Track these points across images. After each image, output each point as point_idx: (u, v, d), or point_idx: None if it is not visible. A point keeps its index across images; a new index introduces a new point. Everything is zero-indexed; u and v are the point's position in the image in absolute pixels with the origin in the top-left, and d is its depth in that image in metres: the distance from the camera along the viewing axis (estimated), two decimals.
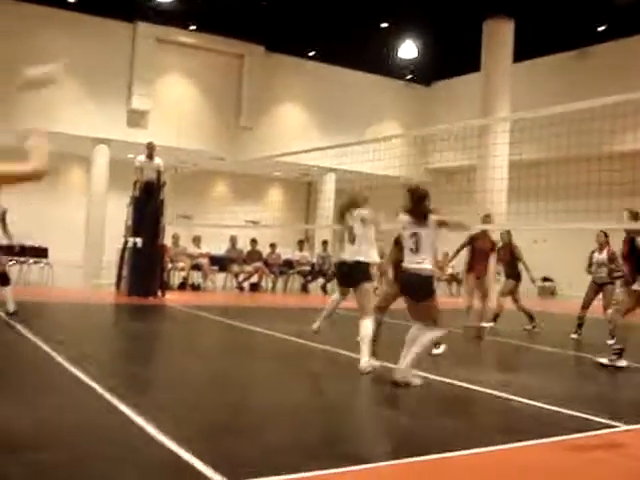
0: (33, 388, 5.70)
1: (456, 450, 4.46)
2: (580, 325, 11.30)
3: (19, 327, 8.75)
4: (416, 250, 6.39)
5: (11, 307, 9.54)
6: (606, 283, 11.26)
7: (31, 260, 17.46)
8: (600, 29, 21.42)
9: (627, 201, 9.85)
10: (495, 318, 12.18)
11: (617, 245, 10.72)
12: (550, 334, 12.50)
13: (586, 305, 11.46)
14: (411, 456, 4.28)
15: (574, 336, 11.27)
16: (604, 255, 11.17)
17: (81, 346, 8.12)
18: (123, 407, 5.06)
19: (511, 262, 12.25)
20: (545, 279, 24.78)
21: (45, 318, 10.52)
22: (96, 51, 21.52)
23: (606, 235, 11.25)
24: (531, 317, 12.30)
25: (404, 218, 6.50)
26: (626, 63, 19.24)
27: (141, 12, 21.43)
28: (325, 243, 21.09)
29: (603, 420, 5.46)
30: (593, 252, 11.54)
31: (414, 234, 6.42)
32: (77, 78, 21.45)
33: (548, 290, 24.73)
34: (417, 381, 6.38)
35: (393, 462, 4.17)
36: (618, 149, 18.48)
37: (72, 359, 6.76)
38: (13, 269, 16.77)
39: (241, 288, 19.24)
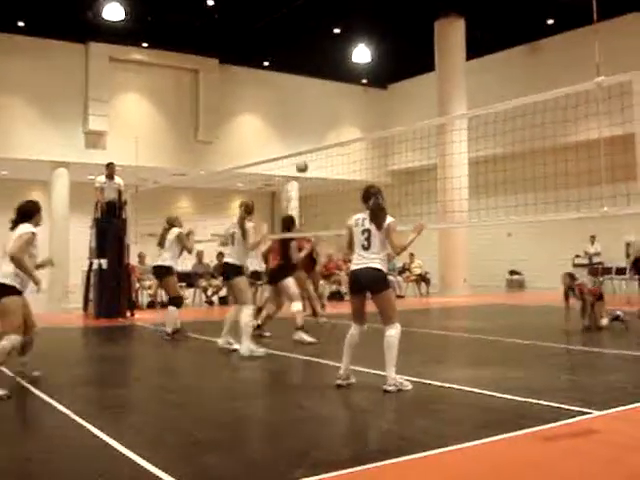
0: (1, 416, 5.62)
1: (434, 449, 4.48)
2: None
3: None
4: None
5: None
6: None
7: None
8: (549, 22, 21.71)
9: (585, 191, 9.97)
10: None
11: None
12: (520, 326, 12.61)
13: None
14: (390, 458, 4.29)
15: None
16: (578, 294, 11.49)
17: (49, 372, 8.02)
18: (96, 430, 5.02)
19: None
20: (513, 272, 25.03)
21: None
22: (49, 74, 21.34)
23: (571, 277, 11.60)
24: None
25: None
26: (576, 54, 19.50)
27: (92, 32, 21.28)
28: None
29: (576, 408, 5.52)
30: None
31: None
32: (32, 102, 21.27)
33: (516, 283, 24.96)
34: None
35: (373, 465, 4.18)
36: (572, 140, 18.73)
37: (40, 385, 6.68)
38: None
39: (210, 302, 19.14)
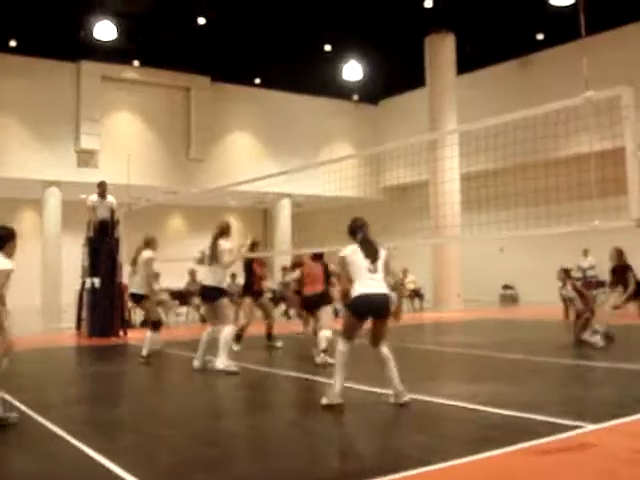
0: None
1: (430, 465, 4.47)
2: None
3: None
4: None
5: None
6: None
7: None
8: (539, 37, 21.84)
9: (576, 205, 10.02)
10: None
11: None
12: (513, 341, 12.62)
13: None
14: (386, 474, 4.27)
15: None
16: (569, 288, 11.60)
17: (42, 392, 7.99)
18: (89, 450, 4.99)
19: None
20: (506, 287, 25.05)
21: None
22: (41, 93, 21.37)
23: (566, 272, 11.91)
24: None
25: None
26: (566, 68, 19.63)
27: (84, 51, 21.33)
28: (285, 269, 21.06)
29: (570, 422, 5.52)
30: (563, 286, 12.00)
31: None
32: (24, 121, 21.28)
33: (509, 298, 24.98)
34: None
35: None
36: (563, 154, 18.83)
37: (33, 405, 6.64)
38: None
39: (204, 320, 19.09)
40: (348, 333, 6.56)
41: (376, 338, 6.55)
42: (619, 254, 11.60)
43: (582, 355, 10.19)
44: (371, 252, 6.59)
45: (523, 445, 4.90)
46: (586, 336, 11.00)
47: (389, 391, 6.52)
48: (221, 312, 9.29)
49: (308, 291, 10.29)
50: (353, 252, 6.61)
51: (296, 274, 11.12)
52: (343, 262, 6.65)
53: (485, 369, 9.29)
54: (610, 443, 5.05)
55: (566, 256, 20.87)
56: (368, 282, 6.47)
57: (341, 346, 6.54)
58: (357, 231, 6.71)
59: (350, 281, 6.58)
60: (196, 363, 9.43)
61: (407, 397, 6.39)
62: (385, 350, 6.51)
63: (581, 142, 12.55)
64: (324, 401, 6.43)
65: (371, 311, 6.50)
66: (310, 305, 10.41)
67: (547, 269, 20.95)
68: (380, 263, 6.58)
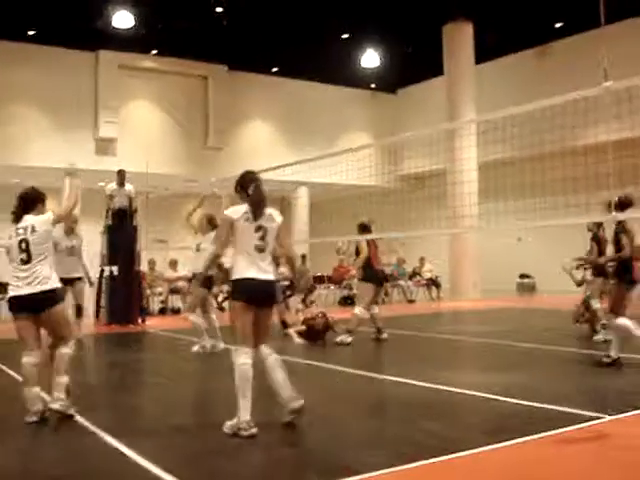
0: (15, 425, 5.64)
1: (446, 454, 4.48)
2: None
3: None
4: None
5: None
6: None
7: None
8: (558, 25, 21.67)
9: (593, 196, 9.94)
10: None
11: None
12: (530, 330, 12.59)
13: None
14: (403, 464, 4.30)
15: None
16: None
17: None
18: (108, 437, 5.05)
19: None
20: (523, 276, 24.96)
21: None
22: (60, 82, 21.45)
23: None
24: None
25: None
26: (585, 56, 19.45)
27: (102, 40, 21.39)
28: (303, 257, 21.09)
29: (588, 413, 5.51)
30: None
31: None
32: (43, 110, 21.38)
33: (527, 287, 24.90)
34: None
35: (386, 471, 4.19)
36: (581, 144, 18.71)
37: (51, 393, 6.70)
38: None
39: (221, 308, 19.15)
40: (243, 332, 5.28)
41: (259, 332, 5.34)
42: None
43: (600, 345, 10.14)
44: (262, 218, 5.30)
45: (539, 435, 4.90)
46: (599, 327, 10.66)
47: (282, 399, 5.44)
48: (209, 300, 10.82)
49: (378, 265, 10.97)
50: (244, 217, 5.28)
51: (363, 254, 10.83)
52: (227, 224, 5.31)
53: (502, 358, 9.29)
54: (630, 434, 5.04)
55: (584, 246, 20.81)
56: (255, 264, 5.25)
57: (242, 359, 5.25)
58: (249, 185, 5.34)
59: (224, 246, 5.35)
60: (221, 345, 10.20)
61: (300, 401, 5.28)
62: (271, 354, 5.42)
63: (599, 132, 12.44)
64: (227, 429, 5.23)
65: (256, 296, 5.28)
66: (381, 280, 11.16)
67: (565, 258, 20.89)
68: (270, 238, 5.34)
